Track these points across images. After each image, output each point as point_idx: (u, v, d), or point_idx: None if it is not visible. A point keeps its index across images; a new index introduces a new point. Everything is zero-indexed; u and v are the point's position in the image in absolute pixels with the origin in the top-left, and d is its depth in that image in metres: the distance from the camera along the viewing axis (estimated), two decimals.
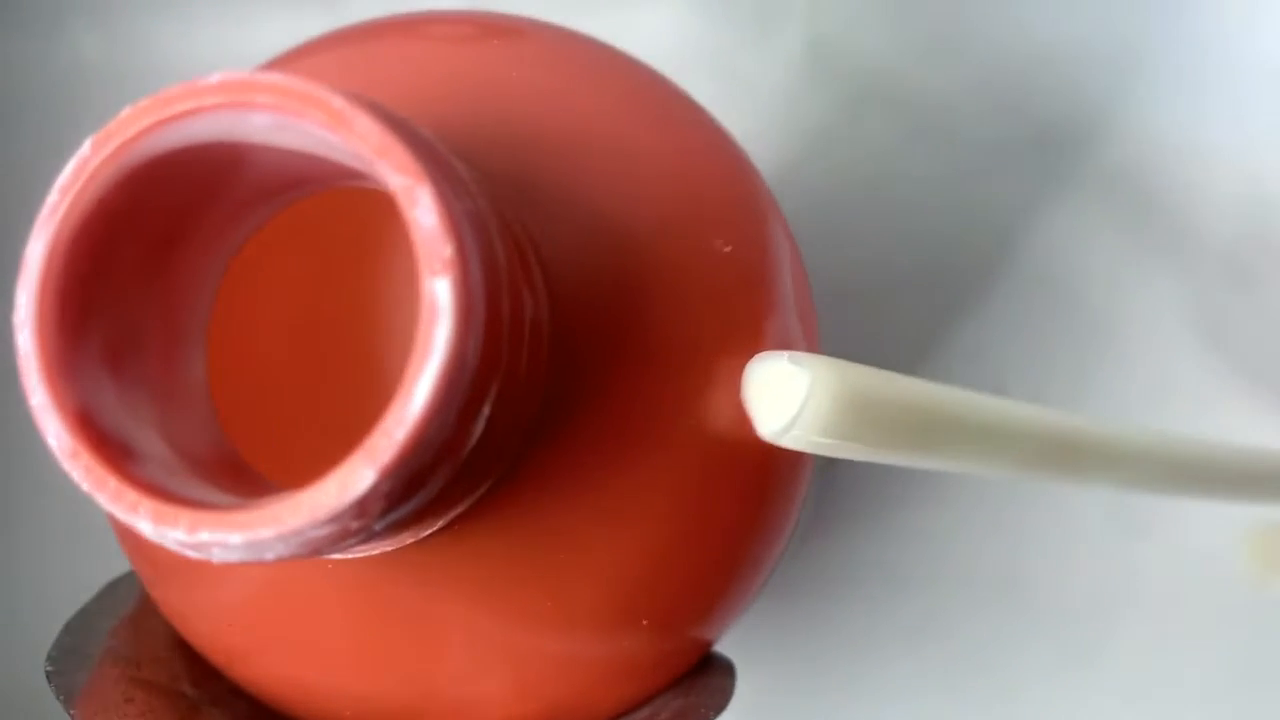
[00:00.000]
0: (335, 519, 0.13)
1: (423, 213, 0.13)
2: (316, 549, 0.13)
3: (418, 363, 0.13)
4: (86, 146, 0.13)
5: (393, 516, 0.13)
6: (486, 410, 0.14)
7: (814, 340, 0.18)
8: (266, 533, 0.13)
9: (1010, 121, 0.32)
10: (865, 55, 0.33)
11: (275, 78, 0.13)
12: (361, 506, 0.13)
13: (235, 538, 0.13)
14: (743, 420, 0.16)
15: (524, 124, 0.17)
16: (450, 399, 0.13)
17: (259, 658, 0.18)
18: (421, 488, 0.13)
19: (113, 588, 0.20)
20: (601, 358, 0.16)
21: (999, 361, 0.32)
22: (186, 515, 0.13)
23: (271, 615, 0.17)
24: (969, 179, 0.32)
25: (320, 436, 0.18)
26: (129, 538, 0.19)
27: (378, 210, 0.18)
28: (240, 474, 0.15)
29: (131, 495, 0.13)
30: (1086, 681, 0.31)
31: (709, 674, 0.18)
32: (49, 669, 0.17)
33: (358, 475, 0.13)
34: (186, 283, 0.16)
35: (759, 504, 0.17)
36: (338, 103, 0.13)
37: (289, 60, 0.20)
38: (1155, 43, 0.31)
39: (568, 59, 0.18)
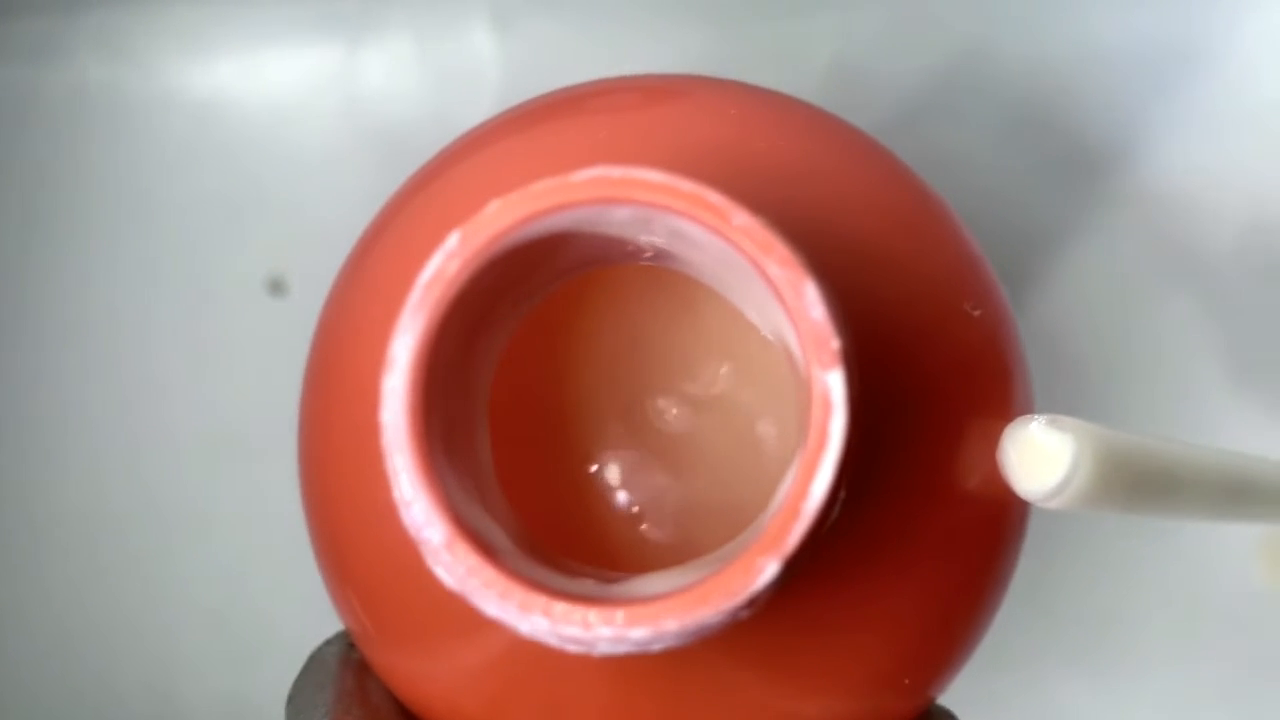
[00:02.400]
0: (734, 609, 0.13)
1: (810, 305, 0.13)
2: (697, 638, 0.13)
3: (812, 455, 0.13)
4: (454, 240, 0.13)
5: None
6: (843, 495, 0.14)
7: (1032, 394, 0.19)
8: (671, 625, 0.13)
9: (1034, 145, 0.33)
10: (888, 78, 0.34)
11: (652, 174, 0.13)
12: (757, 596, 0.13)
13: (638, 632, 0.13)
14: (993, 480, 0.17)
15: (771, 192, 0.17)
16: (838, 488, 0.13)
17: None
18: (789, 574, 0.14)
19: (320, 660, 0.19)
20: (878, 427, 0.16)
21: None
22: (579, 610, 0.13)
23: (520, 685, 0.17)
24: (992, 201, 0.33)
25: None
26: (355, 596, 0.18)
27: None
28: (539, 551, 0.15)
29: (517, 591, 0.13)
30: (1106, 686, 0.32)
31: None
32: None
33: (761, 567, 0.13)
34: (481, 362, 0.16)
35: (1001, 558, 0.18)
36: (717, 199, 0.13)
37: (472, 146, 0.19)
38: (1176, 66, 0.33)
39: (777, 117, 0.19)
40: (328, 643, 0.20)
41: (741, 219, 0.13)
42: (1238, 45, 0.32)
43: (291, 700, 0.18)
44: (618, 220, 0.14)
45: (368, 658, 0.19)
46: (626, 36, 0.32)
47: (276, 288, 0.32)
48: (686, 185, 0.13)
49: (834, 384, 0.13)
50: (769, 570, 0.13)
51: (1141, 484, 0.17)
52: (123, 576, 0.31)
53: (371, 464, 0.17)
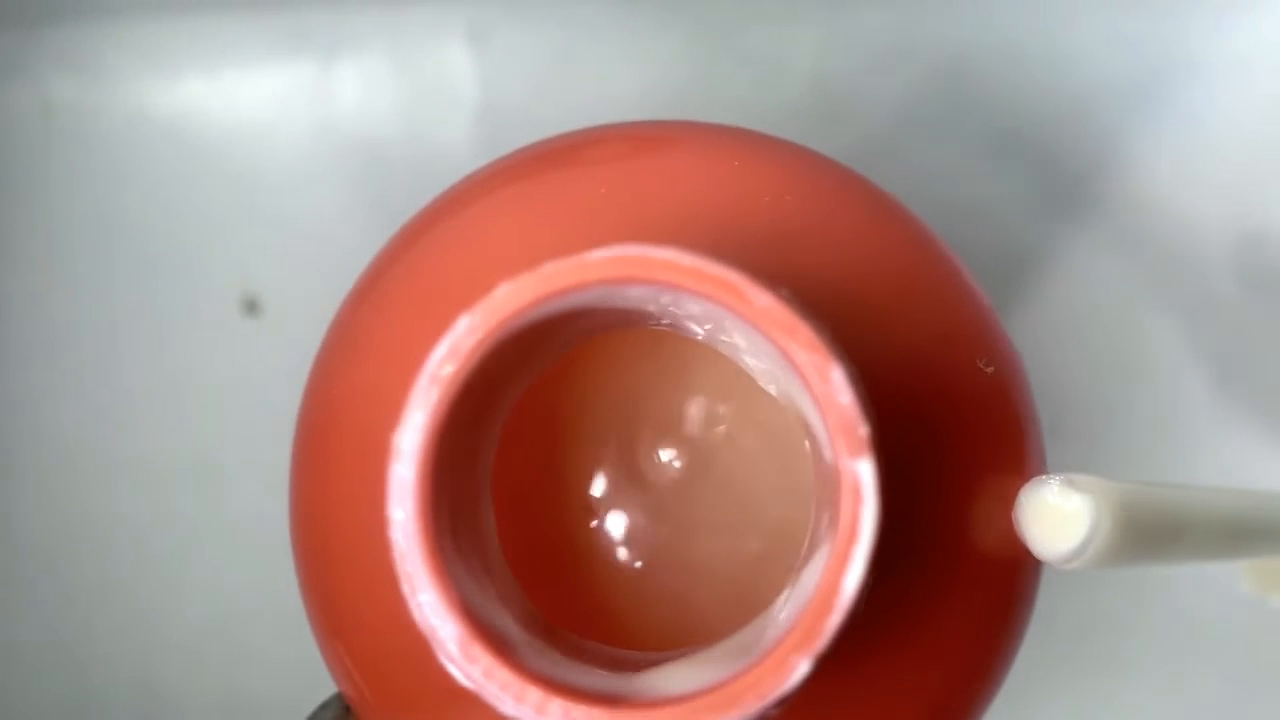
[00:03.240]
0: (764, 710, 0.12)
1: (838, 390, 0.13)
2: None
3: (844, 547, 0.12)
4: (461, 325, 0.13)
5: None
6: (870, 581, 0.13)
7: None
8: None
9: (1015, 158, 0.33)
10: (868, 91, 0.33)
11: (670, 254, 0.13)
12: (788, 695, 0.13)
13: None
14: (1009, 540, 0.17)
15: (779, 251, 0.17)
16: (870, 578, 0.13)
17: None
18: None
19: None
20: (900, 496, 0.16)
21: None
22: (601, 715, 0.12)
23: None
24: (974, 215, 0.33)
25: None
26: (352, 662, 0.18)
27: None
28: (545, 628, 0.15)
29: (535, 694, 0.13)
30: (1100, 695, 0.32)
31: None
32: None
33: (793, 665, 0.12)
34: (485, 437, 0.15)
35: (1017, 614, 0.18)
36: (737, 280, 0.13)
37: (465, 198, 0.19)
38: (1156, 78, 0.32)
39: (780, 168, 0.18)
40: (322, 707, 0.19)
41: (763, 300, 0.13)
42: (1217, 57, 0.32)
43: None
44: (633, 297, 0.13)
45: None
46: (605, 51, 0.32)
47: (251, 307, 0.31)
48: (705, 265, 0.13)
49: (864, 473, 0.12)
50: (801, 669, 0.12)
51: (1158, 536, 0.17)
52: (96, 602, 0.30)
53: (371, 528, 0.16)
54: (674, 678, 0.13)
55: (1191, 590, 0.33)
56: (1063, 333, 0.33)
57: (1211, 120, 0.32)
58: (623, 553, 0.18)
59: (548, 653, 0.14)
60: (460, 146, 0.32)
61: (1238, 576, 0.33)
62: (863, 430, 0.12)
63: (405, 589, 0.13)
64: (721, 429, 0.18)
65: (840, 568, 0.12)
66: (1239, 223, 0.33)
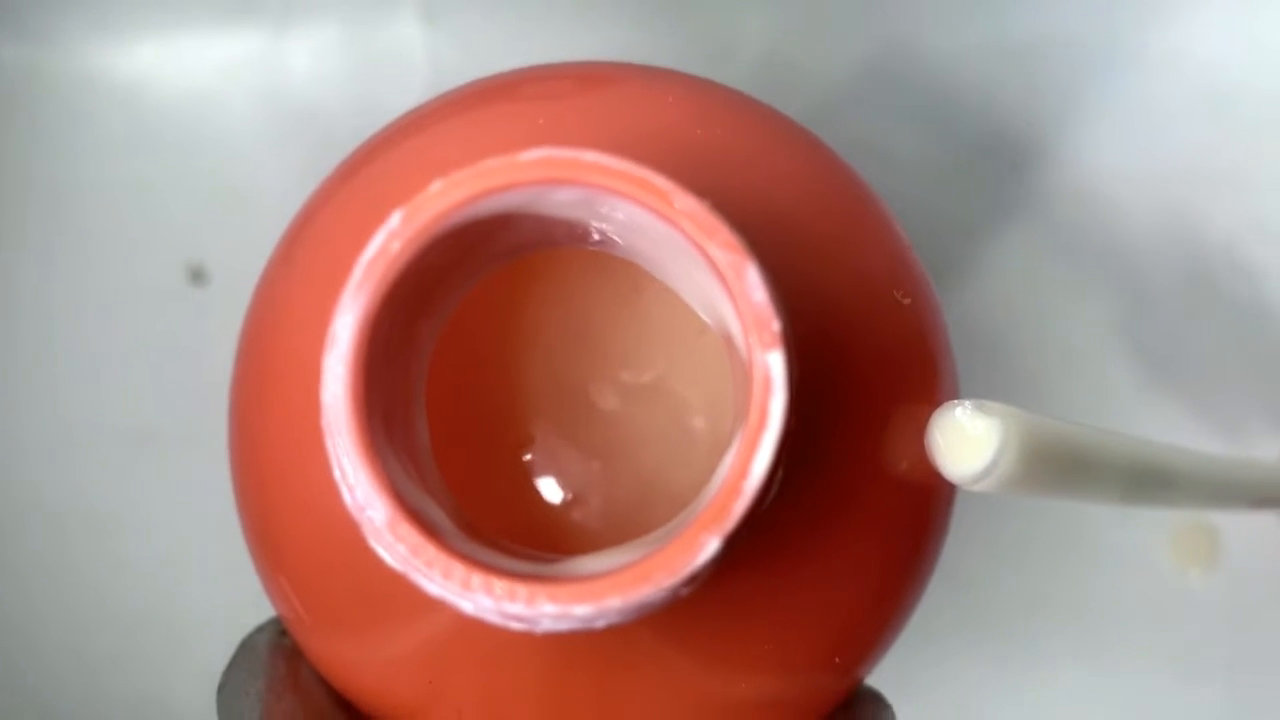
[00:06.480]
0: (676, 585, 0.13)
1: (752, 288, 0.13)
2: (639, 615, 0.14)
3: (753, 434, 0.13)
4: (396, 219, 0.13)
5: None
6: (780, 474, 0.14)
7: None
8: (615, 602, 0.13)
9: (954, 140, 0.34)
10: (813, 70, 0.34)
11: (598, 156, 0.13)
12: (699, 572, 0.13)
13: (582, 609, 0.13)
14: (921, 463, 0.17)
15: (710, 178, 0.17)
16: (777, 467, 0.13)
17: (436, 714, 0.18)
18: (728, 552, 0.14)
19: (250, 647, 0.19)
20: (813, 410, 0.16)
21: None
22: (523, 588, 0.13)
23: (456, 668, 0.17)
24: (913, 195, 0.34)
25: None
26: (287, 581, 0.18)
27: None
28: (477, 532, 0.15)
29: (459, 569, 0.13)
30: (1020, 669, 0.33)
31: (869, 702, 0.19)
32: None
33: (703, 543, 0.13)
34: (420, 343, 0.16)
35: (928, 539, 0.18)
36: (662, 183, 0.13)
37: (406, 130, 0.19)
38: (1097, 62, 0.33)
39: (713, 105, 0.19)
40: (258, 630, 0.19)
41: (685, 202, 0.13)
42: (1159, 41, 0.33)
43: (222, 689, 0.18)
44: (561, 201, 0.14)
45: (300, 644, 0.19)
46: (555, 30, 0.32)
47: (197, 277, 0.31)
48: (631, 168, 0.13)
49: (774, 364, 0.13)
50: (710, 546, 0.13)
51: (1064, 468, 0.18)
52: (33, 573, 0.30)
53: (306, 447, 0.17)
54: (593, 562, 0.14)
55: (1112, 566, 0.33)
56: (993, 320, 0.33)
57: (1146, 114, 0.33)
58: (554, 485, 0.18)
59: (475, 545, 0.14)
60: None
61: (1159, 551, 0.34)
62: (775, 325, 0.13)
63: (335, 471, 0.13)
64: (663, 364, 0.18)
65: (749, 453, 0.13)
66: (1171, 215, 0.33)
